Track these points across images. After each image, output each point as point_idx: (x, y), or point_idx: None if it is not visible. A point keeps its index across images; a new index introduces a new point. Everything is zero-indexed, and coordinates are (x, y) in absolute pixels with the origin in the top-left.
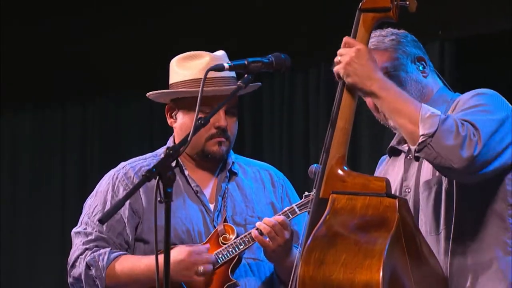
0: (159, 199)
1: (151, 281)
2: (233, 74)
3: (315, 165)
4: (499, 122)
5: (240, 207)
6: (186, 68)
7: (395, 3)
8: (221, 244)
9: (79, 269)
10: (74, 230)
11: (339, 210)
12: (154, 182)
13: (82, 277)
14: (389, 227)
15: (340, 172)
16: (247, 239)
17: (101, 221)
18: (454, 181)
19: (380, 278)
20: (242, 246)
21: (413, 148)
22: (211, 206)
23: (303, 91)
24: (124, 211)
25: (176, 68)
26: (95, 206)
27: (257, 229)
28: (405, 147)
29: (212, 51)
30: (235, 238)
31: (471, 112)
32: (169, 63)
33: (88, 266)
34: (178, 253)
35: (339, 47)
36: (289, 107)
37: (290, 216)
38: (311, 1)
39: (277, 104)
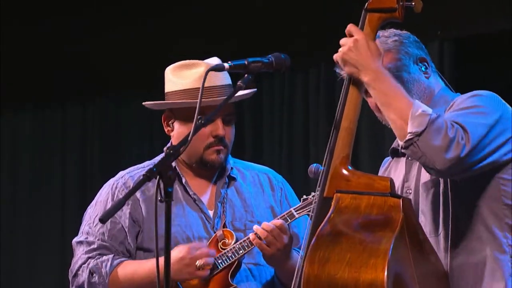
0: (159, 198)
1: (153, 284)
2: (229, 82)
3: (315, 164)
4: (490, 125)
5: (239, 212)
6: (182, 77)
7: (401, 3)
8: (221, 250)
9: (82, 277)
10: (76, 240)
11: (344, 209)
12: (153, 191)
13: (85, 285)
14: (393, 226)
15: (344, 171)
16: (246, 244)
17: (102, 220)
18: (449, 182)
19: (384, 277)
20: (241, 251)
21: (400, 143)
22: (211, 213)
23: (303, 91)
24: (125, 221)
25: (171, 77)
26: (96, 216)
27: (255, 233)
28: None
29: (212, 51)
30: (234, 243)
31: (463, 114)
32: (169, 63)
33: (91, 273)
34: (177, 252)
35: (339, 47)
36: (289, 107)
37: (289, 220)
38: (311, 1)
39: (277, 104)
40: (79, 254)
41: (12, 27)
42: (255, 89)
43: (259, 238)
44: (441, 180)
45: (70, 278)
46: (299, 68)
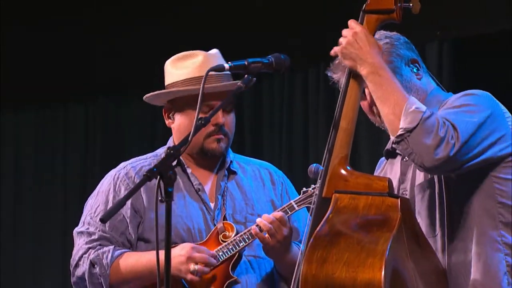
0: (160, 198)
1: (153, 276)
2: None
3: (315, 164)
4: (480, 123)
5: (240, 205)
6: (180, 68)
7: (398, 4)
8: (221, 242)
9: (83, 268)
10: (77, 230)
11: (342, 209)
12: (155, 181)
13: (86, 275)
14: (391, 226)
15: (343, 171)
16: (246, 236)
17: (103, 220)
18: (444, 183)
19: (382, 277)
20: (242, 243)
21: (392, 138)
22: (212, 205)
23: (303, 91)
24: (126, 211)
25: (170, 69)
26: (97, 206)
27: (257, 225)
28: None
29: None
30: (234, 236)
31: (454, 112)
32: None
33: (92, 264)
34: (180, 248)
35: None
36: (288, 107)
37: (289, 212)
38: (311, 1)
39: (277, 104)
40: (80, 244)
41: (13, 27)
42: (255, 78)
43: (260, 230)
44: (436, 182)
45: (71, 269)
46: (299, 68)
